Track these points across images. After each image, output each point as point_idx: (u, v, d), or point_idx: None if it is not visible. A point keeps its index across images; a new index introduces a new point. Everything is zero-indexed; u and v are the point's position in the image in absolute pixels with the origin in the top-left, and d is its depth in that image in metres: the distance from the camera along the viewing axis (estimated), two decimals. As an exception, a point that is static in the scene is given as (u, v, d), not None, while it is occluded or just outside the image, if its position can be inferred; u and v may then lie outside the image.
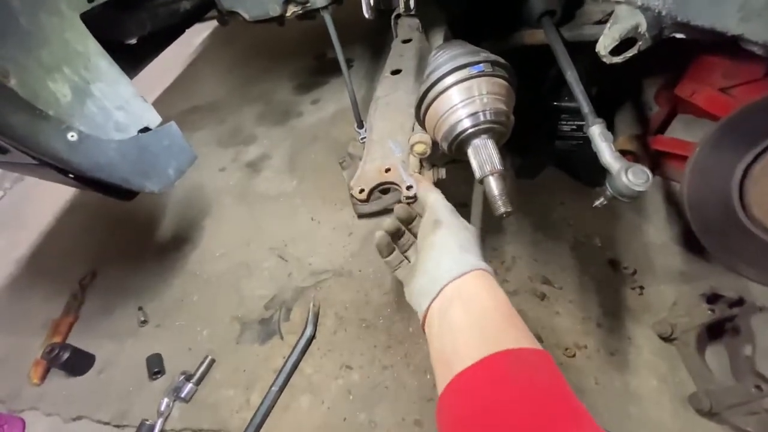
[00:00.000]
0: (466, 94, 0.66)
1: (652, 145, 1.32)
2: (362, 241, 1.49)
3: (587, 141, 0.81)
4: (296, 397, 1.14)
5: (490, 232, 1.39)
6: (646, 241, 1.24)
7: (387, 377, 1.12)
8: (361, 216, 1.57)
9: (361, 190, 0.88)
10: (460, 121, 0.66)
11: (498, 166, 0.66)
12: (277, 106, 2.29)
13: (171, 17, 1.37)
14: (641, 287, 1.15)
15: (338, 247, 1.49)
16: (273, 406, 1.13)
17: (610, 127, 1.51)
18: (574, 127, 1.34)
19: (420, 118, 0.75)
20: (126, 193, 1.00)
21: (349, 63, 2.40)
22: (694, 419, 0.92)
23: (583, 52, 0.98)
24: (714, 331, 1.01)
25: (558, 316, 1.14)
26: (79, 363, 1.34)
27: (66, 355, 1.29)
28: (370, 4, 0.68)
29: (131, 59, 1.26)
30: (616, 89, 1.49)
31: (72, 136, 0.77)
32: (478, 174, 0.67)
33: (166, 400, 1.19)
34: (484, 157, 0.66)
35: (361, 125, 1.22)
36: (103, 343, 1.42)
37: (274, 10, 1.12)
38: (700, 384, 0.93)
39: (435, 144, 0.81)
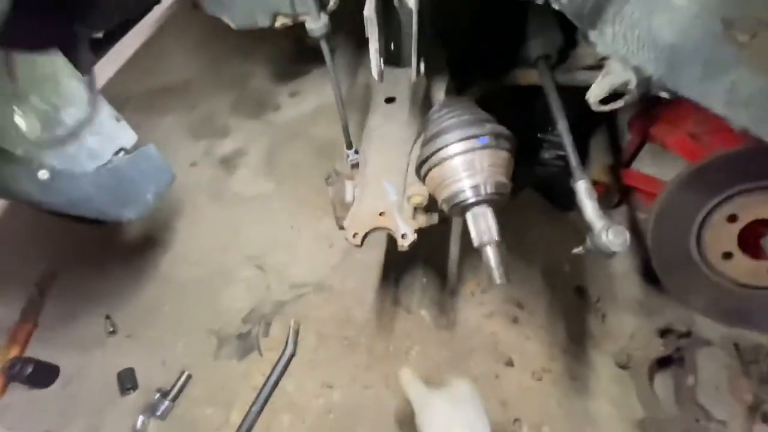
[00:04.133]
0: (469, 166, 0.68)
1: (623, 179, 1.39)
2: (343, 254, 1.49)
3: (566, 169, 0.85)
4: (277, 416, 1.17)
5: (469, 251, 1.43)
6: (609, 270, 1.34)
7: (367, 397, 1.17)
8: (342, 228, 1.57)
9: (355, 235, 0.88)
10: (463, 191, 0.68)
11: (496, 237, 0.68)
12: (252, 94, 2.17)
13: (141, 4, 1.25)
14: (603, 315, 1.25)
15: (319, 259, 1.49)
16: (253, 425, 1.14)
17: (586, 152, 1.58)
18: (555, 156, 1.38)
19: (420, 174, 0.75)
20: (100, 221, 0.94)
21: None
22: (642, 443, 1.04)
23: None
24: (663, 360, 1.13)
25: (528, 340, 1.22)
26: (42, 376, 1.28)
27: (29, 370, 1.23)
28: (380, 67, 0.66)
29: (92, 49, 1.14)
30: (593, 115, 1.54)
31: (43, 174, 0.70)
32: (476, 242, 0.69)
33: (141, 417, 1.17)
34: (483, 227, 0.68)
35: (350, 146, 1.19)
36: (68, 353, 1.36)
37: (263, 21, 1.04)
38: (649, 412, 1.04)
39: (431, 196, 0.82)
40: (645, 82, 0.89)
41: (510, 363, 1.18)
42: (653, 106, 1.37)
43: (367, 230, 0.87)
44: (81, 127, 0.80)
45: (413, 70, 0.62)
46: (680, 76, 0.81)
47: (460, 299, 1.31)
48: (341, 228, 1.55)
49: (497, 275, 0.67)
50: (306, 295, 1.40)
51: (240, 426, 1.13)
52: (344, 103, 1.27)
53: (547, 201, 1.52)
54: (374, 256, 1.44)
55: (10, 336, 1.38)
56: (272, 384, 1.20)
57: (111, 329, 1.38)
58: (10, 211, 1.83)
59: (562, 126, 0.92)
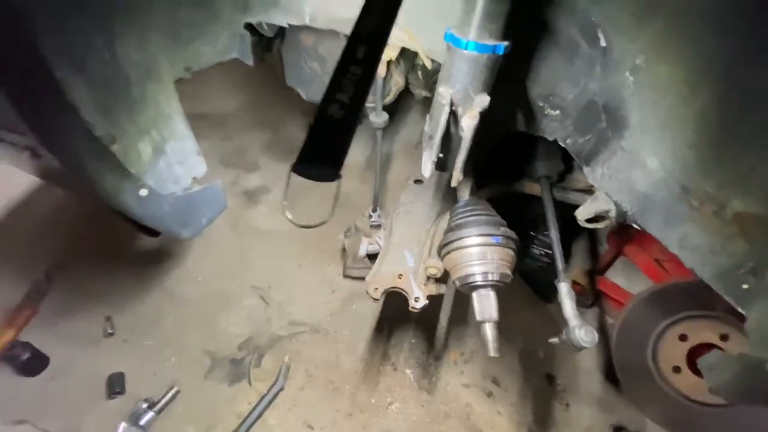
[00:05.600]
0: (483, 256, 0.86)
1: (598, 284, 1.60)
2: (343, 302, 1.61)
3: (550, 266, 1.03)
4: (255, 447, 1.22)
5: (457, 322, 1.57)
6: (577, 364, 1.49)
7: (344, 444, 1.24)
8: (347, 276, 1.71)
9: (376, 289, 1.03)
10: (474, 274, 0.85)
11: (495, 316, 0.85)
12: (285, 139, 2.39)
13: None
14: (567, 404, 1.38)
15: (319, 302, 1.60)
16: (231, 452, 1.19)
17: (569, 255, 1.80)
18: (543, 253, 1.60)
19: (441, 253, 0.93)
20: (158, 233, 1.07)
21: (360, 119, 2.54)
22: None
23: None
24: (614, 456, 1.25)
25: (499, 416, 1.33)
26: (33, 364, 1.31)
27: (26, 356, 1.26)
28: (432, 171, 0.84)
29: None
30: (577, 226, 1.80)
31: (143, 192, 0.86)
32: (478, 317, 0.85)
33: (124, 424, 1.20)
34: (486, 306, 0.85)
35: (375, 210, 1.38)
36: (61, 346, 1.40)
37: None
38: (597, 502, 1.15)
39: (445, 270, 0.99)
40: (622, 214, 1.13)
41: (480, 435, 1.28)
42: (630, 227, 1.62)
43: (386, 288, 1.02)
44: (175, 157, 0.97)
45: (456, 174, 0.82)
46: (648, 217, 1.05)
47: (443, 365, 1.43)
48: (346, 277, 1.70)
49: (492, 348, 0.82)
50: (302, 333, 1.50)
51: (219, 450, 1.18)
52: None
53: (531, 290, 1.70)
54: (371, 309, 1.57)
55: (8, 318, 1.42)
56: (257, 415, 1.26)
57: (110, 331, 1.44)
58: (37, 196, 1.91)
59: (554, 235, 1.13)
